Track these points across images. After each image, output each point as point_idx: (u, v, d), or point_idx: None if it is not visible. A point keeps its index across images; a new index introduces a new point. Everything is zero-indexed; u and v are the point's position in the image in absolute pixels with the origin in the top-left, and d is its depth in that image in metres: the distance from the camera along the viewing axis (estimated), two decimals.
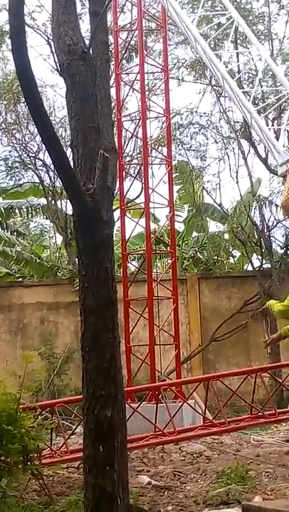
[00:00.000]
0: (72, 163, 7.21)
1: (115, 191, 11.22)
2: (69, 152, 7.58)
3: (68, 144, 8.57)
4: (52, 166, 21.36)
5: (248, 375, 15.80)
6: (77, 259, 7.67)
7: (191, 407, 15.34)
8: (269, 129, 17.31)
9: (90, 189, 6.90)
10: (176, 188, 23.58)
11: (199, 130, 23.15)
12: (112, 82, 15.59)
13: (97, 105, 7.60)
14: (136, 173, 20.07)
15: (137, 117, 18.73)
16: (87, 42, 8.01)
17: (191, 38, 16.45)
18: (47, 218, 25.96)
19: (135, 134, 19.88)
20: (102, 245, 7.00)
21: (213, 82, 21.83)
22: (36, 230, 31.48)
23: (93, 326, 6.97)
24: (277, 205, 22.10)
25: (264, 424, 15.33)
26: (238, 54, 20.37)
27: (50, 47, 20.00)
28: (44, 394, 19.09)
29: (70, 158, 7.29)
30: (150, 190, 17.63)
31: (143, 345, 18.07)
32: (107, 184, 7.14)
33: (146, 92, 18.29)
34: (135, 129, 19.64)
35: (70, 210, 22.26)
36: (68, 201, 20.42)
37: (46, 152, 20.37)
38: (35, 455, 10.10)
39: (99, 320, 6.96)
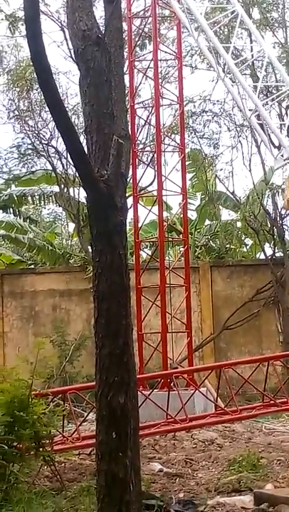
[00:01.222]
0: (86, 150, 7.20)
1: (128, 178, 11.21)
2: (82, 139, 7.57)
3: (81, 130, 8.51)
4: (65, 153, 21.37)
5: (260, 363, 15.79)
6: (90, 246, 7.68)
7: (202, 394, 15.36)
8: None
9: (103, 175, 6.88)
10: (188, 176, 23.52)
11: (212, 118, 23.00)
12: (125, 69, 15.56)
13: (112, 91, 7.58)
14: (149, 160, 20.02)
15: (150, 105, 18.69)
16: (101, 28, 7.99)
17: (192, 31, 16.38)
18: (59, 206, 25.92)
19: (148, 121, 19.82)
20: (115, 231, 7.00)
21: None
22: (49, 218, 31.49)
23: (106, 312, 6.97)
24: None
25: (276, 413, 15.33)
26: (252, 48, 20.23)
27: (64, 33, 19.94)
28: (56, 381, 19.13)
29: (84, 145, 7.29)
30: (163, 178, 17.61)
31: (155, 332, 18.10)
32: (121, 171, 7.12)
33: (160, 80, 18.24)
34: (148, 116, 19.59)
35: (82, 198, 22.27)
36: (81, 188, 20.47)
37: (59, 139, 20.51)
38: (47, 441, 10.16)
39: (112, 306, 6.96)
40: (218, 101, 22.94)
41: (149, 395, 13.92)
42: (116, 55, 8.88)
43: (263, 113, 16.15)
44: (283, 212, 22.03)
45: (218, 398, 15.38)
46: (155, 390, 14.91)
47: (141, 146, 20.93)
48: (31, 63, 7.03)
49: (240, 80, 16.33)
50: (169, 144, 19.37)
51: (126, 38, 17.19)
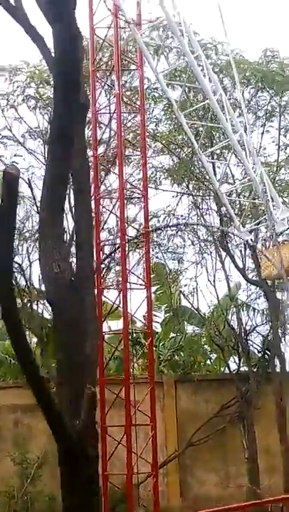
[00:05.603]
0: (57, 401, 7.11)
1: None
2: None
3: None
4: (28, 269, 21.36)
5: None
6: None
7: None
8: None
9: (75, 426, 6.77)
10: (153, 288, 23.55)
11: (176, 232, 23.14)
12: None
13: (85, 338, 7.53)
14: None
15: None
16: None
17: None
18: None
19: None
20: (87, 482, 6.85)
21: (191, 187, 22.14)
22: None
23: None
24: (254, 309, 22.23)
25: None
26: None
27: None
28: (18, 502, 18.60)
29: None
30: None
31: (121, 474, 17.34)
32: (94, 420, 7.02)
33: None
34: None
35: (46, 314, 22.01)
36: (45, 303, 20.28)
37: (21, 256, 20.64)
38: None
39: None
40: (182, 216, 23.07)
41: None
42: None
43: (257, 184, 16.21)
44: (247, 327, 22.14)
45: None
46: None
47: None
48: None
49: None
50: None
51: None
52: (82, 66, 9.74)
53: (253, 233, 19.40)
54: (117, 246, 17.69)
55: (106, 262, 19.30)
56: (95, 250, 15.93)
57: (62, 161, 7.59)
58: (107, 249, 18.84)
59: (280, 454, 20.75)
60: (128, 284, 16.80)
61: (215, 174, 19.41)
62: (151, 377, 17.61)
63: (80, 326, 7.37)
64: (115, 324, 22.51)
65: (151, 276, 20.78)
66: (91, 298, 7.41)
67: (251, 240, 19.64)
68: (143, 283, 17.76)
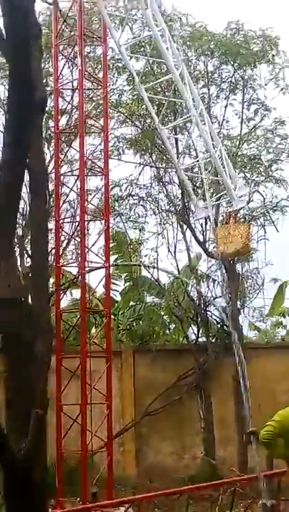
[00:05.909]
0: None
1: None
2: None
3: None
4: None
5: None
6: None
7: None
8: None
9: (22, 448, 6.62)
10: (113, 257, 23.53)
11: (138, 201, 22.99)
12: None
13: (36, 355, 7.33)
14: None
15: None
16: None
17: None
18: None
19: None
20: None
21: (154, 158, 21.99)
22: None
23: None
24: (214, 280, 22.22)
25: None
26: None
27: None
28: None
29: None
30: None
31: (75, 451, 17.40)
32: (40, 443, 6.86)
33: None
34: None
35: None
36: None
37: None
38: None
39: None
40: (144, 185, 22.91)
41: None
42: None
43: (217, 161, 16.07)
44: (207, 299, 22.16)
45: None
46: None
47: None
48: None
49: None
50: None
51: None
52: (40, 60, 9.53)
53: (213, 208, 19.31)
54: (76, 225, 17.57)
55: (65, 234, 19.13)
56: (54, 228, 15.96)
57: (16, 163, 7.42)
58: (66, 227, 18.70)
59: (236, 425, 20.97)
60: (86, 263, 16.84)
61: (177, 147, 19.36)
62: (108, 353, 17.72)
63: (31, 344, 7.24)
64: (75, 293, 22.65)
65: (111, 245, 20.87)
66: (45, 311, 7.27)
67: (212, 214, 19.61)
68: (102, 260, 17.77)
